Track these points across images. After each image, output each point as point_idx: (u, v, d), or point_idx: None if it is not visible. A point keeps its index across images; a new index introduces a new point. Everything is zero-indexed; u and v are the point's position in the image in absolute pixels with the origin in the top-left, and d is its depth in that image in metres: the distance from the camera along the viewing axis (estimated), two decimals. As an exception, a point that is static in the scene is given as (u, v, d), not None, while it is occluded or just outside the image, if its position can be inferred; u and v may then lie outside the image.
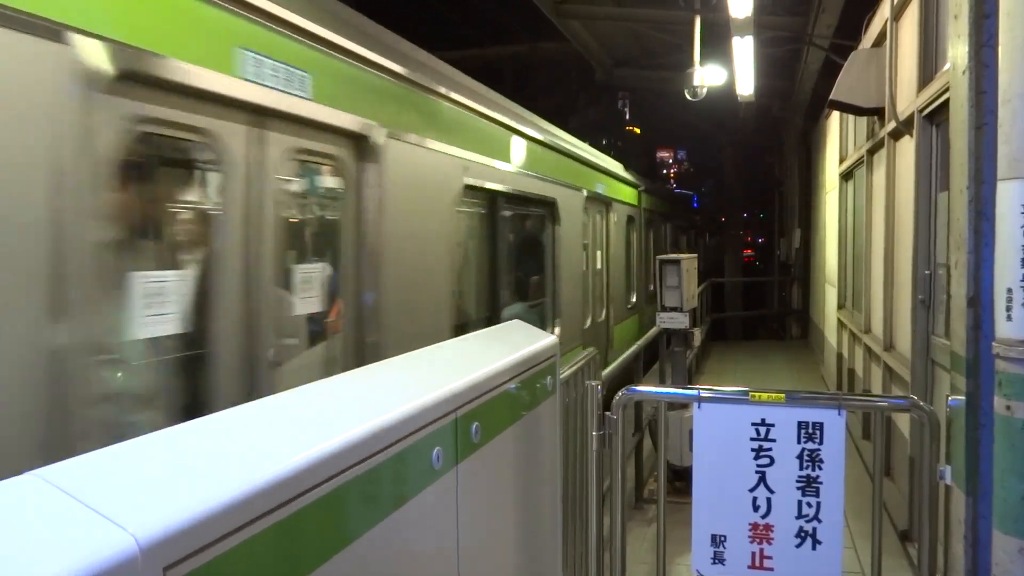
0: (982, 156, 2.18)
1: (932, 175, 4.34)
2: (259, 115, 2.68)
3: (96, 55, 2.00)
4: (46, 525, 0.89)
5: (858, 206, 7.23)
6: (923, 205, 4.38)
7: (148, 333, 2.32)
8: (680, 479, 5.25)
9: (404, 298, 3.60)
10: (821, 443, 2.49)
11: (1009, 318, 2.04)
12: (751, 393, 2.57)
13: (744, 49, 7.89)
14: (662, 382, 6.37)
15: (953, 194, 2.51)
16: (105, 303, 2.13)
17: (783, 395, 2.53)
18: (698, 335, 6.23)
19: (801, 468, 2.50)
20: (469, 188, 4.44)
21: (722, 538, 2.58)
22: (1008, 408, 2.07)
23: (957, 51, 2.39)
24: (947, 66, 3.77)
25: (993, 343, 2.13)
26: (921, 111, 4.32)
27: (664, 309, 5.61)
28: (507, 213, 5.47)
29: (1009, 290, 2.04)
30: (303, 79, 2.86)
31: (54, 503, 0.92)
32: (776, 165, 19.80)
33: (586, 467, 3.07)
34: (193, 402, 2.51)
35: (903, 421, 4.84)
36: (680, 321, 5.58)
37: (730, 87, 9.58)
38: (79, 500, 0.93)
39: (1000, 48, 2.12)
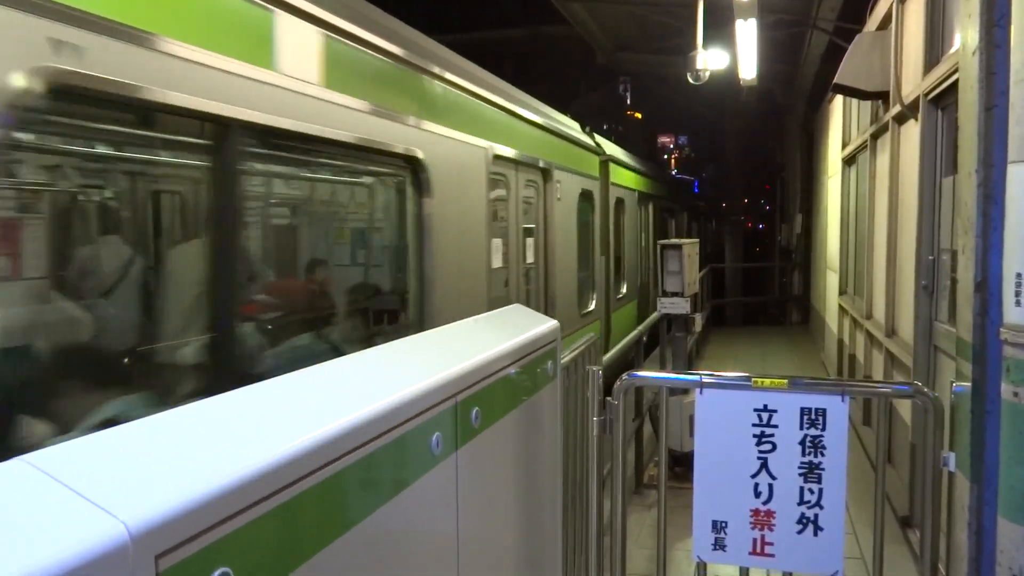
0: (992, 138, 2.14)
1: (937, 159, 4.30)
2: None
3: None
4: (34, 513, 0.86)
5: (861, 191, 7.19)
6: (927, 190, 4.34)
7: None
8: (680, 464, 5.25)
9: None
10: (824, 429, 2.46)
11: (1018, 303, 2.01)
12: (753, 379, 2.54)
13: (747, 32, 7.82)
14: (662, 367, 6.35)
15: (961, 177, 2.47)
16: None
17: (786, 381, 2.50)
18: (699, 320, 6.21)
19: (803, 454, 2.48)
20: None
21: (723, 524, 2.57)
22: (1016, 395, 2.05)
23: (967, 31, 2.34)
24: (954, 48, 3.72)
25: (1001, 328, 2.10)
26: (927, 95, 4.27)
27: (665, 294, 5.58)
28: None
29: (1019, 275, 2.01)
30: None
31: (43, 490, 0.90)
32: (778, 150, 19.71)
33: (586, 452, 3.05)
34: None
35: (904, 407, 4.83)
36: (681, 306, 5.56)
37: (732, 71, 9.50)
38: (69, 487, 0.90)
39: (1012, 27, 2.07)
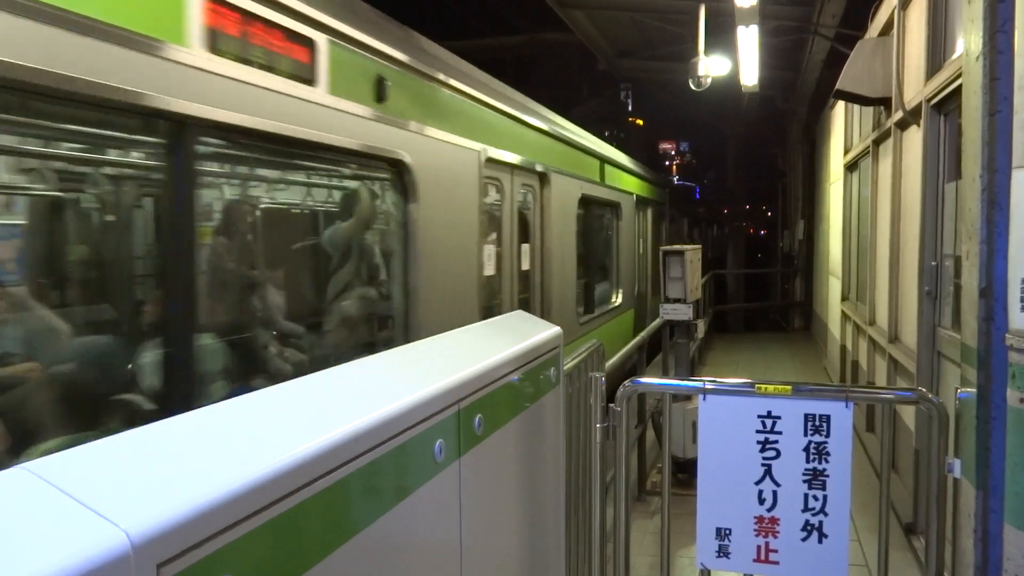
0: (996, 144, 2.14)
1: (940, 165, 4.29)
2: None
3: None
4: (35, 521, 0.85)
5: (863, 197, 7.18)
6: (930, 195, 4.33)
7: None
8: (683, 471, 5.24)
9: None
10: (828, 436, 2.46)
11: (1024, 309, 2.01)
12: (757, 385, 2.53)
13: (749, 39, 7.84)
14: (665, 374, 6.34)
15: (965, 183, 2.46)
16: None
17: (790, 387, 2.49)
18: (701, 327, 6.20)
19: (807, 461, 2.47)
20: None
21: (727, 531, 2.56)
22: (1022, 401, 2.04)
23: (970, 37, 2.34)
24: (956, 54, 3.72)
25: (1006, 335, 2.09)
26: (929, 100, 4.27)
27: (668, 300, 5.57)
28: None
29: (1024, 280, 2.00)
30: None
31: (44, 498, 0.89)
32: (780, 156, 19.73)
33: (589, 459, 3.04)
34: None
35: (908, 413, 4.81)
36: (683, 312, 5.55)
37: (734, 78, 9.52)
38: (70, 495, 0.90)
39: (1015, 33, 2.08)
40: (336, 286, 3.72)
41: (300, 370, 3.18)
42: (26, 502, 0.88)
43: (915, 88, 4.69)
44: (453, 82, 4.27)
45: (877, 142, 6.18)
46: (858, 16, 7.38)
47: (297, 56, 2.92)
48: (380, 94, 3.48)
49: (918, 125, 4.57)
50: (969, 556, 2.35)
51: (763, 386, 2.51)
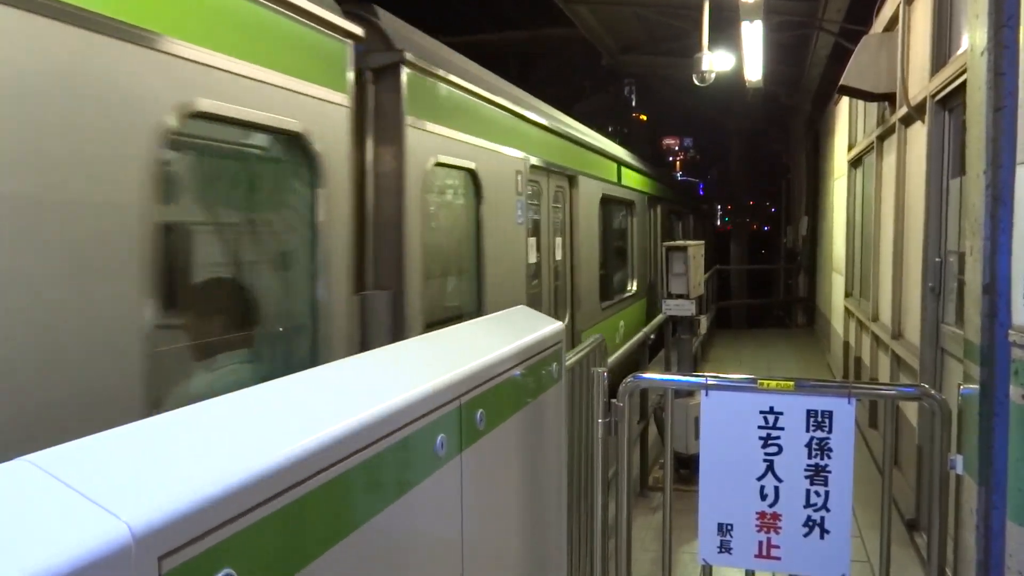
0: (1000, 139, 2.13)
1: (944, 161, 4.28)
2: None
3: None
4: (37, 513, 0.86)
5: (867, 193, 7.17)
6: (934, 191, 4.32)
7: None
8: (685, 467, 5.24)
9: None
10: (830, 432, 2.45)
11: (1027, 305, 2.00)
12: (759, 381, 2.53)
13: (753, 34, 7.81)
14: (667, 369, 6.34)
15: (969, 179, 2.46)
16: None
17: (792, 383, 2.49)
18: (704, 322, 6.19)
19: (810, 457, 2.47)
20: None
21: (729, 527, 2.56)
22: (1024, 397, 2.04)
23: (975, 32, 2.33)
24: (961, 50, 3.71)
25: (1009, 331, 2.09)
26: (933, 96, 4.25)
27: (670, 296, 5.57)
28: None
29: (1027, 277, 2.00)
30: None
31: (45, 490, 0.89)
32: (784, 152, 19.68)
33: (591, 455, 3.04)
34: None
35: (910, 410, 4.80)
36: (686, 308, 5.54)
37: (738, 73, 9.49)
38: (72, 487, 0.90)
39: (1021, 28, 2.07)
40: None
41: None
42: (28, 494, 0.89)
43: (920, 84, 4.68)
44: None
45: (881, 138, 6.16)
46: (863, 11, 7.34)
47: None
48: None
49: (922, 121, 4.55)
50: (971, 552, 2.35)
51: (765, 382, 2.51)
